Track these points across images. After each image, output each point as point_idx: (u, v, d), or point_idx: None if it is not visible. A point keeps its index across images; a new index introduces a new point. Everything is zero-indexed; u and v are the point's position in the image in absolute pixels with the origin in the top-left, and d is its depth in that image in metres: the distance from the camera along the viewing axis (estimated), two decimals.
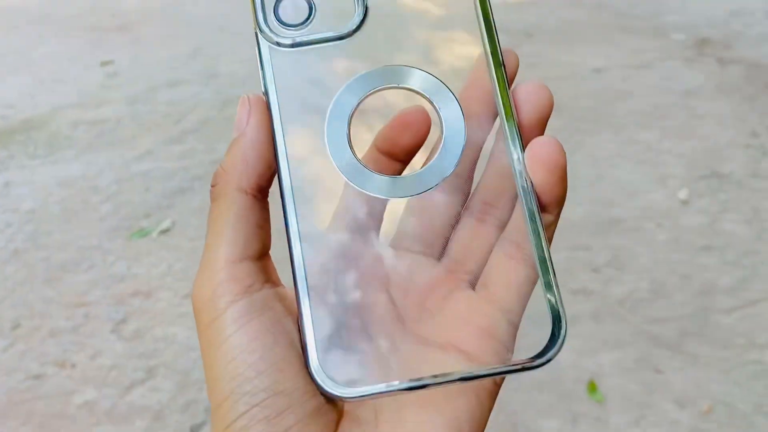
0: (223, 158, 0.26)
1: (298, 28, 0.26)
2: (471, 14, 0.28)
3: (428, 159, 0.27)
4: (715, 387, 1.22)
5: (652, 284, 1.47)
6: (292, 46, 0.26)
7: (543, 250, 0.25)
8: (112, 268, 1.50)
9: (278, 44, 0.26)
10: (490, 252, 0.27)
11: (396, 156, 0.28)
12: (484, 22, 0.27)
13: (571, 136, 1.98)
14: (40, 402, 1.19)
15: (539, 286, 0.26)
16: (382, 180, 0.26)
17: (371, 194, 0.26)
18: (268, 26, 0.26)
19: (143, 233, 1.61)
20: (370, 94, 0.26)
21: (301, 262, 0.25)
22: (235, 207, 0.25)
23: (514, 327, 0.26)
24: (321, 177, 0.26)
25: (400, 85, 0.26)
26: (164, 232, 1.62)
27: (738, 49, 2.58)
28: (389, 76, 0.26)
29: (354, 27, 0.26)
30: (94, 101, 2.24)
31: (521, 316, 0.26)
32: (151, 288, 1.44)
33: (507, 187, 0.27)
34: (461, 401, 0.25)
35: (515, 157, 0.26)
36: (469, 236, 0.27)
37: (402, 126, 0.27)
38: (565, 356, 1.29)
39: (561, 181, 0.26)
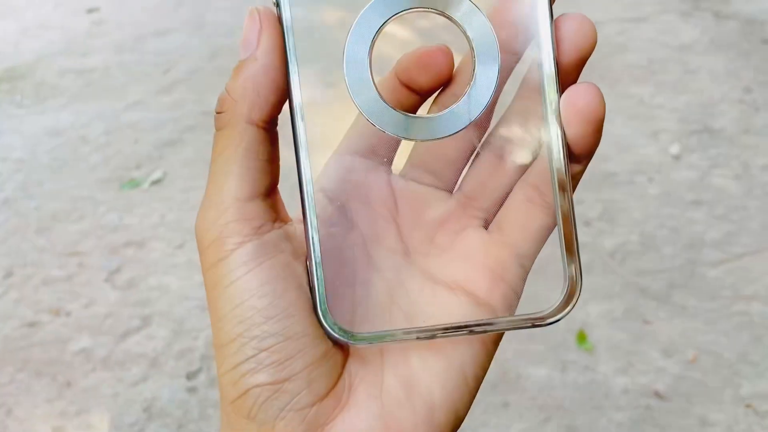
0: (229, 81, 0.24)
1: None
2: None
3: (454, 94, 0.25)
4: (701, 337, 1.25)
5: (642, 237, 1.49)
6: None
7: (567, 205, 0.24)
8: (104, 218, 1.49)
9: None
10: (506, 191, 0.26)
11: (415, 90, 0.26)
12: None
13: None
14: (36, 349, 1.20)
15: (557, 242, 0.25)
16: (404, 119, 0.24)
17: (391, 134, 0.24)
18: None
19: (134, 184, 1.60)
20: (396, 16, 0.23)
21: (312, 204, 0.23)
22: (244, 141, 0.23)
23: (525, 273, 0.26)
24: (337, 111, 0.25)
25: (432, 8, 0.23)
26: (155, 182, 1.61)
27: (734, 4, 2.56)
28: None
29: None
30: (80, 49, 2.19)
31: (533, 263, 0.26)
32: (144, 238, 1.44)
33: (535, 128, 0.25)
34: (467, 347, 0.25)
35: (550, 100, 0.24)
36: (485, 172, 0.26)
37: (423, 64, 0.25)
38: None
39: (596, 134, 0.24)
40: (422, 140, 0.25)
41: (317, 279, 0.23)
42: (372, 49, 0.23)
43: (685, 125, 1.84)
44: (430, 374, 0.24)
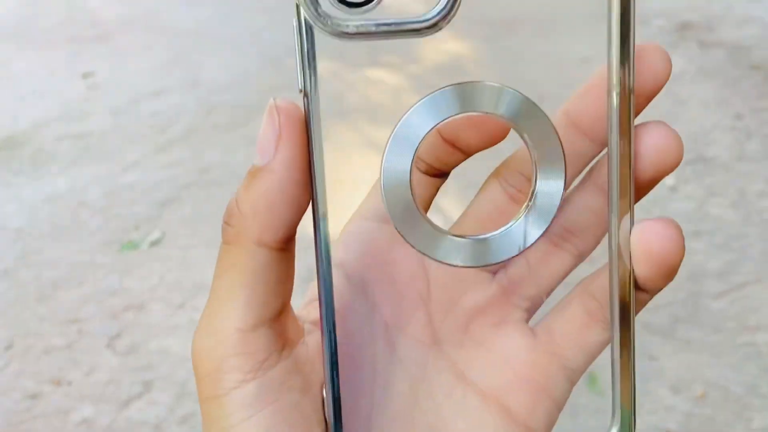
0: (240, 189, 0.21)
1: (363, 8, 0.18)
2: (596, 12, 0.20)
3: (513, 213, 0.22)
4: (709, 371, 1.24)
5: None
6: (353, 35, 0.19)
7: (629, 332, 0.21)
8: (103, 282, 1.49)
9: (340, 32, 0.19)
10: (559, 281, 0.23)
11: (459, 148, 0.22)
12: (621, 20, 0.19)
13: None
14: (38, 421, 1.18)
15: (606, 369, 0.22)
16: (451, 242, 0.21)
17: (432, 259, 0.21)
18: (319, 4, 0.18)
19: (133, 245, 1.61)
20: (445, 121, 0.20)
21: (332, 340, 0.20)
22: (252, 263, 0.20)
23: (571, 390, 0.23)
24: (366, 229, 0.22)
25: (491, 112, 0.20)
26: (154, 243, 1.61)
27: (719, 32, 2.60)
28: (472, 97, 0.20)
29: (440, 14, 0.19)
30: (76, 114, 2.22)
31: (579, 379, 0.23)
32: (144, 300, 1.44)
33: (598, 226, 0.22)
34: None
35: (620, 229, 0.21)
36: (537, 257, 0.23)
37: (473, 124, 0.22)
38: None
39: (668, 278, 0.21)
40: (468, 266, 0.21)
41: (332, 409, 0.20)
42: (414, 161, 0.20)
43: None
44: None
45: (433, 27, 0.19)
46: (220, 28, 2.91)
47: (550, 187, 0.21)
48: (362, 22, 0.18)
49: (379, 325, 0.23)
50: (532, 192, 0.21)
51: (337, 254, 0.22)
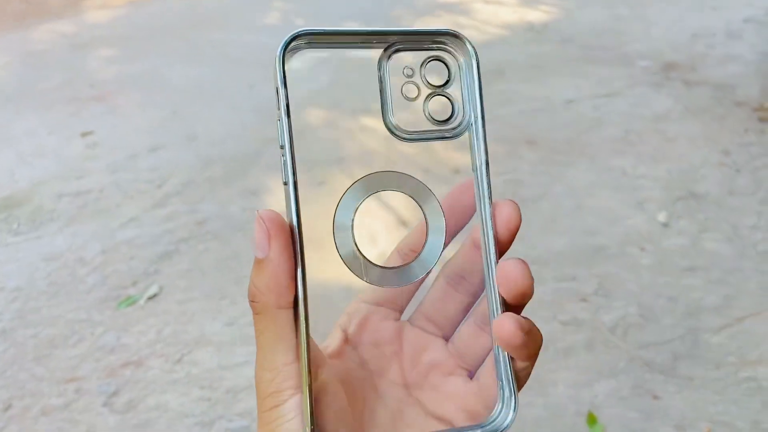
0: (254, 276, 0.30)
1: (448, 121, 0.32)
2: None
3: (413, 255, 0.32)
4: (712, 408, 1.23)
5: (641, 309, 1.48)
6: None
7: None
8: (101, 339, 1.49)
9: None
10: (463, 315, 0.34)
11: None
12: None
13: (550, 167, 2.02)
14: None
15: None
16: (374, 270, 0.31)
17: (368, 283, 0.31)
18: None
19: (131, 301, 1.61)
20: (370, 196, 0.31)
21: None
22: (278, 322, 0.30)
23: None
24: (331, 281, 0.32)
25: (399, 191, 0.31)
26: (152, 298, 1.61)
27: (703, 71, 2.66)
28: (389, 181, 0.31)
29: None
30: (75, 173, 2.25)
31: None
32: (141, 357, 1.43)
33: (480, 271, 0.33)
34: None
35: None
36: (472, 336, 0.34)
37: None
38: (562, 390, 1.29)
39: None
40: (387, 287, 0.32)
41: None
42: (354, 218, 0.30)
43: (670, 192, 1.87)
44: None
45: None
46: (216, 84, 2.98)
47: (436, 240, 0.31)
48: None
49: (367, 372, 0.34)
50: (425, 241, 0.31)
51: (341, 322, 0.35)
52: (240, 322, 1.52)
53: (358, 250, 0.31)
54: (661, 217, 1.77)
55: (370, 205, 0.31)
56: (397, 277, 0.31)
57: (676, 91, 2.50)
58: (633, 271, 1.59)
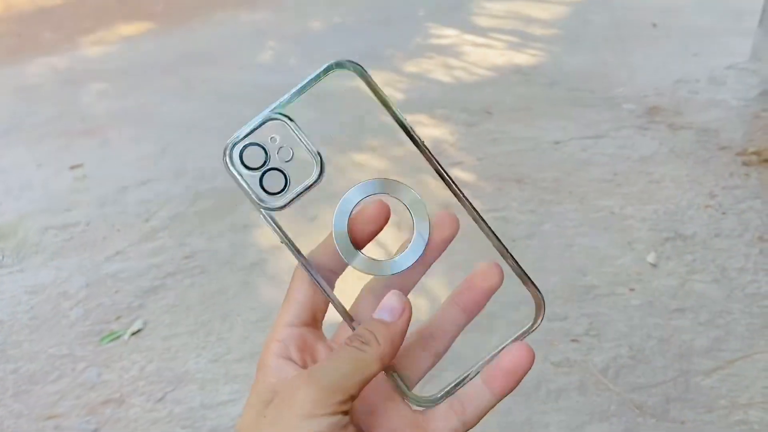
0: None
1: (282, 193, 0.34)
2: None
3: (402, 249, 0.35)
4: None
5: (632, 350, 1.47)
6: (284, 206, 0.34)
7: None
8: (82, 376, 1.45)
9: (277, 208, 0.34)
10: (424, 374, 0.36)
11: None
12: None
13: (538, 206, 2.03)
14: None
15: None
16: (369, 260, 0.34)
17: (361, 271, 0.34)
18: (263, 201, 0.34)
19: (114, 336, 1.58)
20: (367, 197, 0.34)
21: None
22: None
23: None
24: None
25: (391, 195, 0.34)
26: (136, 333, 1.58)
27: (687, 115, 2.71)
28: (382, 187, 0.34)
29: (317, 177, 0.34)
30: (63, 205, 2.23)
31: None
32: (123, 394, 1.39)
33: (454, 333, 0.36)
34: None
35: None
36: (410, 354, 0.36)
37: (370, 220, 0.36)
38: None
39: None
40: (379, 275, 0.34)
41: None
42: (350, 216, 0.34)
43: (658, 233, 1.88)
44: None
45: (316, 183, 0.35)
46: (209, 120, 2.99)
47: (420, 233, 0.34)
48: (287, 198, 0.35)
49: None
50: (411, 238, 0.34)
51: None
52: (225, 359, 1.49)
53: (353, 245, 0.34)
54: (650, 257, 1.78)
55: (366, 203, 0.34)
56: (388, 267, 0.34)
57: (661, 135, 2.54)
58: (623, 312, 1.59)
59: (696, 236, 1.86)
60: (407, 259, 0.34)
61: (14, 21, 5.95)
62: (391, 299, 0.33)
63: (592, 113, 2.77)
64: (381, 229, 0.35)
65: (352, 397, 0.31)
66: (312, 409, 0.29)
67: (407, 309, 0.33)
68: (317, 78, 0.33)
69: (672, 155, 2.36)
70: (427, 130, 2.71)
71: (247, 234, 2.00)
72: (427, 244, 0.34)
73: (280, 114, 0.34)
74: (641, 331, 1.52)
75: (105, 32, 5.18)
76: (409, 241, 0.34)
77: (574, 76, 3.28)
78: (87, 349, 1.54)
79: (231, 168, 0.34)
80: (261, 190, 0.34)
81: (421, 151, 0.34)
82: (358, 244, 0.35)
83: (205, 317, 1.63)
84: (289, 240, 0.34)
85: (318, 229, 1.88)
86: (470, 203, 0.34)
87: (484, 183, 2.21)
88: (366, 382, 0.31)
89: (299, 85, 0.33)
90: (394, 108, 0.33)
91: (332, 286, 0.35)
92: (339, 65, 0.34)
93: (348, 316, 0.35)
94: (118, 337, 1.57)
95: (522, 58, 3.67)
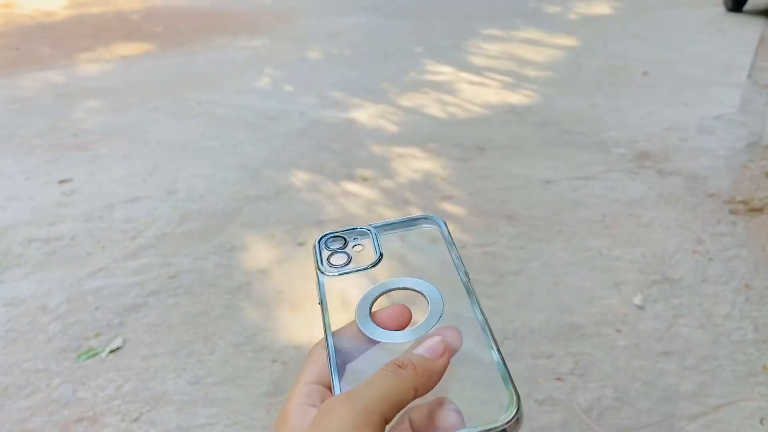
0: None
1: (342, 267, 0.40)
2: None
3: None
4: None
5: (616, 392, 1.46)
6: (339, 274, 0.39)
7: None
8: (56, 392, 1.41)
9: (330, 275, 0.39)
10: None
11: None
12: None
13: (527, 243, 2.03)
14: None
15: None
16: (387, 333, 0.36)
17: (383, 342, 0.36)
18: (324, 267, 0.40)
19: (92, 354, 1.54)
20: (389, 291, 0.38)
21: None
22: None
23: None
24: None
25: (408, 287, 0.38)
26: (114, 351, 1.55)
27: (676, 162, 2.75)
28: (401, 282, 0.38)
29: (373, 263, 0.40)
30: (48, 219, 2.20)
31: None
32: (97, 413, 1.35)
33: None
34: None
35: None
36: None
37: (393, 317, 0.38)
38: None
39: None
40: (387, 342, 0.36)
41: None
42: (372, 307, 0.37)
43: (645, 276, 1.89)
44: None
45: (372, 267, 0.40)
46: (202, 140, 2.99)
47: (433, 316, 0.36)
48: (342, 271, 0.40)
49: None
50: (427, 314, 0.36)
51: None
52: (205, 381, 1.46)
53: (375, 324, 0.37)
54: (637, 299, 1.78)
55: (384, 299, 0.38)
56: (399, 338, 0.37)
57: (650, 179, 2.57)
58: (609, 353, 1.58)
59: (683, 280, 1.87)
60: (424, 329, 0.37)
61: (14, 35, 5.97)
62: (434, 340, 0.34)
63: (583, 155, 2.80)
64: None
65: (387, 421, 0.30)
66: (350, 429, 0.29)
67: (448, 352, 0.33)
68: (409, 223, 0.41)
69: (661, 200, 2.39)
70: (419, 164, 2.72)
71: (233, 257, 1.98)
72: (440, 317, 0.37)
73: (371, 227, 0.42)
74: (626, 373, 1.51)
75: (103, 51, 5.20)
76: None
77: (566, 118, 3.32)
78: (63, 365, 1.50)
79: (318, 245, 0.42)
80: (327, 262, 0.40)
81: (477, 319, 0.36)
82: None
83: (187, 338, 1.60)
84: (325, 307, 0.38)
85: (305, 251, 1.86)
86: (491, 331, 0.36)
87: (474, 218, 2.21)
88: (400, 406, 0.31)
89: (391, 221, 0.41)
90: (460, 271, 0.38)
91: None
92: (430, 219, 0.41)
93: None
94: (96, 354, 1.54)
95: (515, 98, 3.72)
